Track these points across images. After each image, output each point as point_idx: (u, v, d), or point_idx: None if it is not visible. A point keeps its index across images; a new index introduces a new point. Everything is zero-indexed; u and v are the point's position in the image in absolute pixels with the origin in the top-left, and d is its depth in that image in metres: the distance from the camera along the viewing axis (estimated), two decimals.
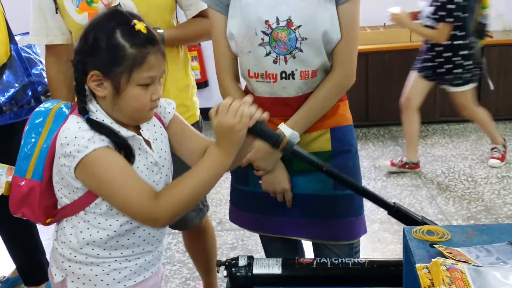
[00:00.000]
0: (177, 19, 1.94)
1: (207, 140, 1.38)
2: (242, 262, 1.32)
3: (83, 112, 1.17)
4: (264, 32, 1.39)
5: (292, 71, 1.42)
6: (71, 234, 1.26)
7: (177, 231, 2.88)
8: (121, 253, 1.27)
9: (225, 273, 1.33)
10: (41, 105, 1.29)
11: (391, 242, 2.76)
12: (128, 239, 1.26)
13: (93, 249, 1.25)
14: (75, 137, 1.14)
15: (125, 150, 1.17)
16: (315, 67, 1.42)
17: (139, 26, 1.15)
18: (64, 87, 1.88)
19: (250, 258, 1.33)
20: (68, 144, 1.14)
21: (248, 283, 1.32)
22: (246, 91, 1.55)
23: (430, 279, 0.68)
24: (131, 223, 1.24)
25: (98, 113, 1.18)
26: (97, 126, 1.16)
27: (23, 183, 1.24)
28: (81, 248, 1.25)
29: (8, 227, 2.28)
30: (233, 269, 1.32)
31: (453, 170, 3.59)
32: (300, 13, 1.37)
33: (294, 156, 1.22)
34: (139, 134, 1.24)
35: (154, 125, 1.30)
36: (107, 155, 1.15)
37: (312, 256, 1.48)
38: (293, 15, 1.37)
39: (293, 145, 1.21)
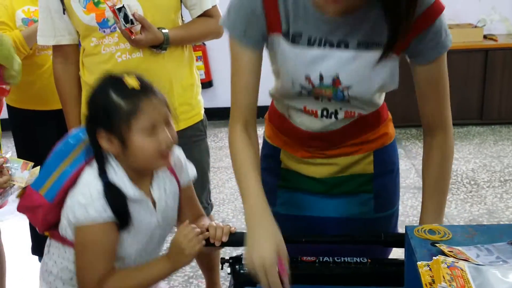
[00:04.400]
0: (182, 18, 1.96)
1: (201, 211, 1.48)
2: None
3: (102, 173, 1.23)
4: (303, 86, 1.21)
5: (336, 110, 1.25)
6: (57, 258, 1.34)
7: None
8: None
9: (228, 270, 1.34)
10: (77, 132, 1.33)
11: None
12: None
13: (71, 278, 1.31)
14: (86, 205, 1.20)
15: (124, 220, 1.23)
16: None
17: (130, 81, 1.21)
18: (71, 87, 1.90)
19: None
20: (79, 206, 1.21)
21: (252, 280, 1.33)
22: (272, 114, 1.44)
23: (431, 277, 0.70)
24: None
25: (118, 171, 1.24)
26: (112, 191, 1.21)
27: (35, 196, 1.29)
28: (60, 275, 1.33)
29: None
30: (236, 266, 1.33)
31: (455, 173, 3.59)
32: (352, 73, 1.16)
33: None
34: (149, 193, 1.30)
35: (166, 182, 1.34)
36: (98, 233, 1.21)
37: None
38: (341, 73, 1.16)
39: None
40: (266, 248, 1.10)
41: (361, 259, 1.32)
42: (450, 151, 1.27)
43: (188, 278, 2.63)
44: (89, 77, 1.79)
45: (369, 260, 1.31)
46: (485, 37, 4.38)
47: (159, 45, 1.80)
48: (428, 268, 0.72)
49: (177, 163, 1.38)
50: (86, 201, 1.20)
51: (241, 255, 1.35)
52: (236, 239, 1.32)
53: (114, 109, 1.18)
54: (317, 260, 1.32)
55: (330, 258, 1.32)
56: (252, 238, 1.13)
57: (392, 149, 1.42)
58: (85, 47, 1.81)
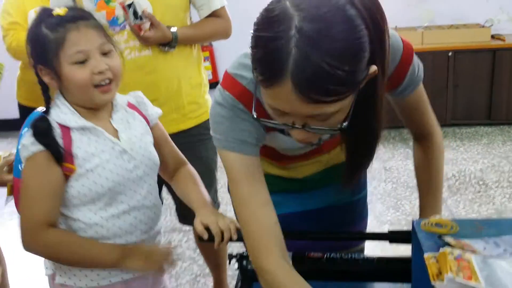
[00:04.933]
0: (190, 18, 1.97)
1: (181, 157, 1.47)
2: None
3: (46, 111, 1.23)
4: (299, 148, 1.22)
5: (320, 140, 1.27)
6: None
7: (187, 228, 2.91)
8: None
9: (236, 266, 1.35)
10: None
11: (401, 245, 2.76)
12: (108, 230, 1.28)
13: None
14: (21, 148, 1.21)
15: (55, 149, 1.19)
16: None
17: (58, 11, 1.20)
18: None
19: None
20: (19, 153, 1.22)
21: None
22: None
23: (438, 268, 0.70)
24: (106, 211, 1.26)
25: (62, 107, 1.23)
26: (40, 125, 1.20)
27: (19, 183, 1.29)
28: None
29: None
30: (244, 262, 1.34)
31: (464, 173, 3.58)
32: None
33: None
34: (111, 127, 1.28)
35: (134, 119, 1.34)
36: (32, 169, 1.20)
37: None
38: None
39: None
40: None
41: (368, 256, 1.32)
42: (440, 150, 1.30)
43: (195, 276, 2.64)
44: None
45: (376, 258, 1.32)
46: (492, 37, 4.37)
47: (168, 43, 1.82)
48: (435, 260, 0.72)
49: (139, 101, 1.38)
50: (21, 145, 1.20)
51: None
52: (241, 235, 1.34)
53: (43, 41, 1.18)
54: (324, 257, 1.33)
55: (338, 254, 1.33)
56: None
57: None
58: None
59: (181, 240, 2.97)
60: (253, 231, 1.05)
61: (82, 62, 1.18)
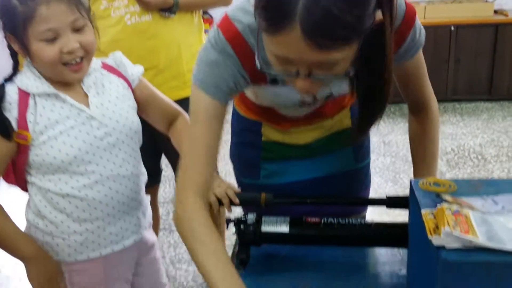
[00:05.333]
0: None
1: (174, 108, 1.41)
2: (250, 219, 1.35)
3: (12, 76, 1.19)
4: (294, 105, 1.23)
5: (322, 103, 1.26)
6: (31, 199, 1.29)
7: None
8: (78, 217, 1.26)
9: (233, 230, 1.36)
10: None
11: (398, 215, 2.78)
12: (81, 200, 1.25)
13: (50, 212, 1.26)
14: None
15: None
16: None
17: None
18: None
19: (259, 216, 1.36)
20: None
21: (256, 240, 1.34)
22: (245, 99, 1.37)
23: (435, 224, 0.70)
24: (71, 187, 1.23)
25: (28, 72, 1.20)
26: None
27: None
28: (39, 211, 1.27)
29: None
30: (241, 226, 1.35)
31: (463, 147, 3.58)
32: (342, 85, 1.16)
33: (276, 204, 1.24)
34: (80, 87, 1.23)
35: (109, 82, 1.29)
36: None
37: None
38: (334, 90, 1.19)
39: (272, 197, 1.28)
40: None
41: (365, 221, 1.33)
42: (436, 123, 1.30)
43: None
44: (97, 41, 1.79)
45: (373, 223, 1.32)
46: (495, 12, 4.33)
47: (169, 9, 1.80)
48: (433, 216, 0.72)
49: (118, 62, 1.33)
50: None
51: (246, 216, 1.37)
52: (244, 198, 1.36)
53: (12, 12, 1.13)
54: (322, 222, 1.33)
55: (335, 219, 1.33)
56: None
57: None
58: (95, 11, 1.80)
59: None
60: (188, 167, 1.06)
61: (52, 40, 1.13)
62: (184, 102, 2.06)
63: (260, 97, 1.25)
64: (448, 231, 0.66)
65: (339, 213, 1.33)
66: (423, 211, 0.74)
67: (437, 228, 0.69)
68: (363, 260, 1.35)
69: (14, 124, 1.17)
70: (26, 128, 1.18)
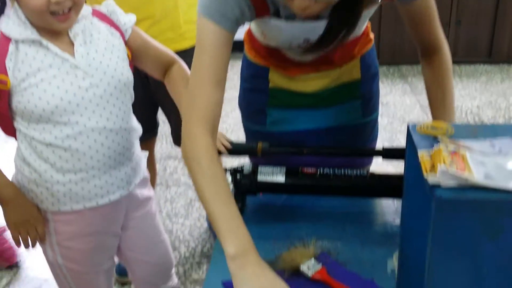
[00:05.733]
0: None
1: (169, 56, 1.39)
2: (246, 169, 1.35)
3: None
4: (300, 45, 1.20)
5: None
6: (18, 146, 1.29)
7: None
8: (62, 167, 1.25)
9: (230, 179, 1.36)
10: None
11: (396, 166, 2.80)
12: (65, 150, 1.24)
13: (35, 160, 1.25)
14: None
15: None
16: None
17: None
18: None
19: (255, 166, 1.36)
20: None
21: (252, 189, 1.35)
22: (254, 42, 1.37)
23: (431, 164, 0.70)
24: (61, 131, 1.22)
25: (13, 17, 1.18)
26: None
27: None
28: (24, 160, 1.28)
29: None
30: (237, 176, 1.35)
31: (460, 109, 3.58)
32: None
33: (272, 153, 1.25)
34: (66, 35, 1.21)
35: (99, 32, 1.26)
36: None
37: None
38: None
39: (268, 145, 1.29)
40: (273, 280, 0.90)
41: (361, 172, 1.33)
42: (449, 66, 1.28)
43: (190, 201, 2.68)
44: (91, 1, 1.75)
45: (369, 173, 1.33)
46: None
47: None
48: (429, 157, 0.72)
49: (110, 10, 1.31)
50: None
51: (242, 166, 1.37)
52: (240, 147, 1.36)
53: None
54: (317, 172, 1.34)
55: (331, 170, 1.34)
56: (256, 277, 0.90)
57: (373, 53, 1.44)
58: None
59: (176, 166, 2.99)
60: (195, 97, 1.04)
61: None
62: (179, 56, 2.05)
63: (266, 34, 1.23)
64: (444, 169, 0.66)
65: (342, 166, 1.33)
66: (419, 152, 0.74)
67: (433, 168, 0.69)
68: (358, 210, 1.36)
69: None
70: (5, 73, 1.16)
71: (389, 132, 3.30)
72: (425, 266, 0.72)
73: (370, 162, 1.55)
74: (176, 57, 1.42)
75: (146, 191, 1.49)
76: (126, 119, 1.32)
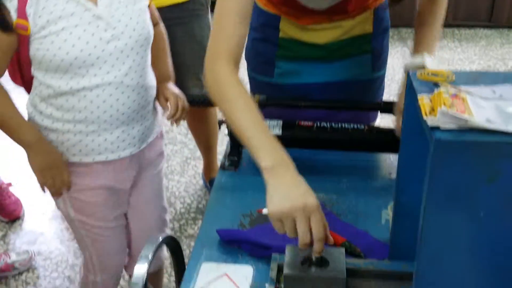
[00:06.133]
0: None
1: (155, 15, 1.38)
2: None
3: None
4: None
5: None
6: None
7: None
8: (74, 117, 1.24)
9: (226, 131, 1.35)
10: None
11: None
12: (78, 101, 1.22)
13: (47, 108, 1.24)
14: None
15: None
16: None
17: None
18: None
19: None
20: None
21: None
22: None
23: (431, 107, 0.69)
24: (77, 82, 1.20)
25: None
26: None
27: None
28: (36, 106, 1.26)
29: None
30: None
31: None
32: None
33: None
34: None
35: None
36: None
37: None
38: None
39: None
40: (310, 194, 0.88)
41: (358, 125, 1.32)
42: (444, 5, 1.25)
43: (186, 159, 2.68)
44: None
45: (366, 127, 1.32)
46: None
47: None
48: (429, 100, 0.71)
49: None
50: None
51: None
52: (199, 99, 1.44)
53: None
54: (314, 125, 1.33)
55: (328, 123, 1.33)
56: (287, 188, 0.89)
57: (386, 7, 1.41)
58: None
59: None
60: (222, 28, 1.03)
61: None
62: (177, 9, 2.00)
63: None
64: (444, 110, 0.65)
65: (347, 121, 1.32)
66: (419, 96, 0.73)
67: (432, 111, 0.68)
68: (354, 164, 1.36)
69: (13, 14, 1.14)
70: (26, 19, 1.14)
71: (387, 93, 3.25)
72: (420, 213, 0.71)
73: (374, 119, 1.54)
74: (159, 19, 1.41)
75: (159, 148, 1.47)
76: (144, 76, 1.29)
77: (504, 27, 4.28)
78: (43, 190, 1.32)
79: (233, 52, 1.01)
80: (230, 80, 0.99)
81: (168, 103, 1.36)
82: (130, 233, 1.52)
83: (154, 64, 1.36)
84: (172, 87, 1.40)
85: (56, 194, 1.33)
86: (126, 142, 1.31)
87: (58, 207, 1.41)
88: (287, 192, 0.87)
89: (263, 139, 0.93)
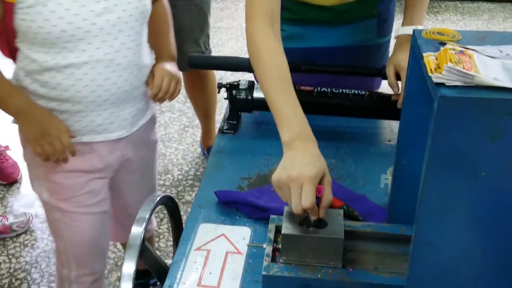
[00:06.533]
0: None
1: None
2: (243, 85, 1.32)
3: None
4: None
5: None
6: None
7: None
8: (59, 95, 1.16)
9: (225, 95, 1.33)
10: None
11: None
12: (65, 78, 1.14)
13: (31, 83, 1.17)
14: None
15: None
16: None
17: None
18: None
19: (251, 82, 1.33)
20: None
21: (248, 106, 1.33)
22: None
23: (436, 64, 0.67)
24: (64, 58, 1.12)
25: None
26: None
27: None
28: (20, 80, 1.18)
29: None
30: (233, 91, 1.32)
31: None
32: None
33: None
34: None
35: None
36: None
37: None
38: None
39: None
40: (310, 167, 0.89)
41: (359, 91, 1.31)
42: None
43: (184, 127, 2.67)
44: None
45: (367, 93, 1.31)
46: None
47: None
48: (435, 58, 0.69)
49: None
50: None
51: (239, 81, 1.34)
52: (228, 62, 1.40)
53: None
54: (315, 90, 1.31)
55: (328, 88, 1.31)
56: (293, 159, 0.91)
57: None
58: None
59: None
60: None
61: None
62: None
63: None
64: (451, 66, 0.63)
65: (353, 87, 1.31)
66: (424, 54, 0.71)
67: (438, 68, 0.66)
68: (353, 131, 1.35)
69: None
70: None
71: None
72: (422, 174, 0.71)
73: (378, 86, 1.53)
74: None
75: (152, 134, 1.40)
76: (138, 54, 1.20)
77: (507, 1, 4.23)
78: (46, 160, 1.19)
79: (268, 10, 1.03)
80: (266, 46, 1.01)
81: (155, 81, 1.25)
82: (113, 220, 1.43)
83: (154, 42, 1.28)
84: (167, 66, 1.28)
85: (60, 161, 1.19)
86: (115, 124, 1.23)
87: (35, 191, 1.32)
88: (291, 163, 0.90)
89: (288, 114, 0.96)
